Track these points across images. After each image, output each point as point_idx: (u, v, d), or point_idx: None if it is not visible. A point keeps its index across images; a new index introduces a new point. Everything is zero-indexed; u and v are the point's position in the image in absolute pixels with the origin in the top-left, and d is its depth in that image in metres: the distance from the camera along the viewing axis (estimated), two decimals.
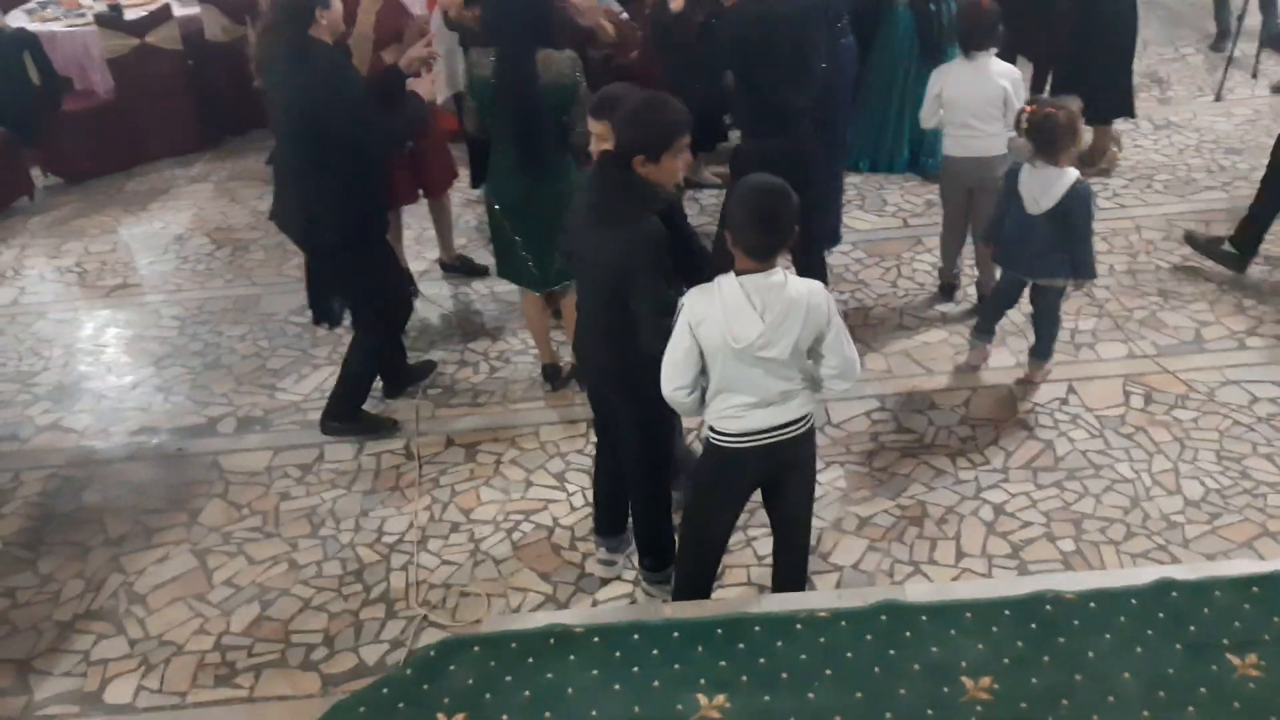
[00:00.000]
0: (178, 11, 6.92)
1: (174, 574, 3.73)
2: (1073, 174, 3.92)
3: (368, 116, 3.79)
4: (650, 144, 2.88)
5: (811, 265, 4.54)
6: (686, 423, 3.77)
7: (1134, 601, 2.63)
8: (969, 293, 4.92)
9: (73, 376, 4.87)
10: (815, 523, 3.60)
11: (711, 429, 2.91)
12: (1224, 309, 4.72)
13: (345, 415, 4.31)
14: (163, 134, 6.98)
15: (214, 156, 7.08)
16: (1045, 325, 4.27)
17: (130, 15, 6.72)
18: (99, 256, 5.92)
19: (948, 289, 4.93)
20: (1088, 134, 6.22)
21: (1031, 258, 4.08)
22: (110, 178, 6.85)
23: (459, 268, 5.47)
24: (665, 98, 2.97)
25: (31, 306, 5.48)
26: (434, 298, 5.28)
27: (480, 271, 5.42)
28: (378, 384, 4.46)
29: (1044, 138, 3.90)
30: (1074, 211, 3.91)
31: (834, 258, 5.33)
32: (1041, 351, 4.31)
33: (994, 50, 4.54)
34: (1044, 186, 3.94)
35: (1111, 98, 5.83)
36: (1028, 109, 4.01)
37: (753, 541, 3.65)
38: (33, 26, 6.72)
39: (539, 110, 3.82)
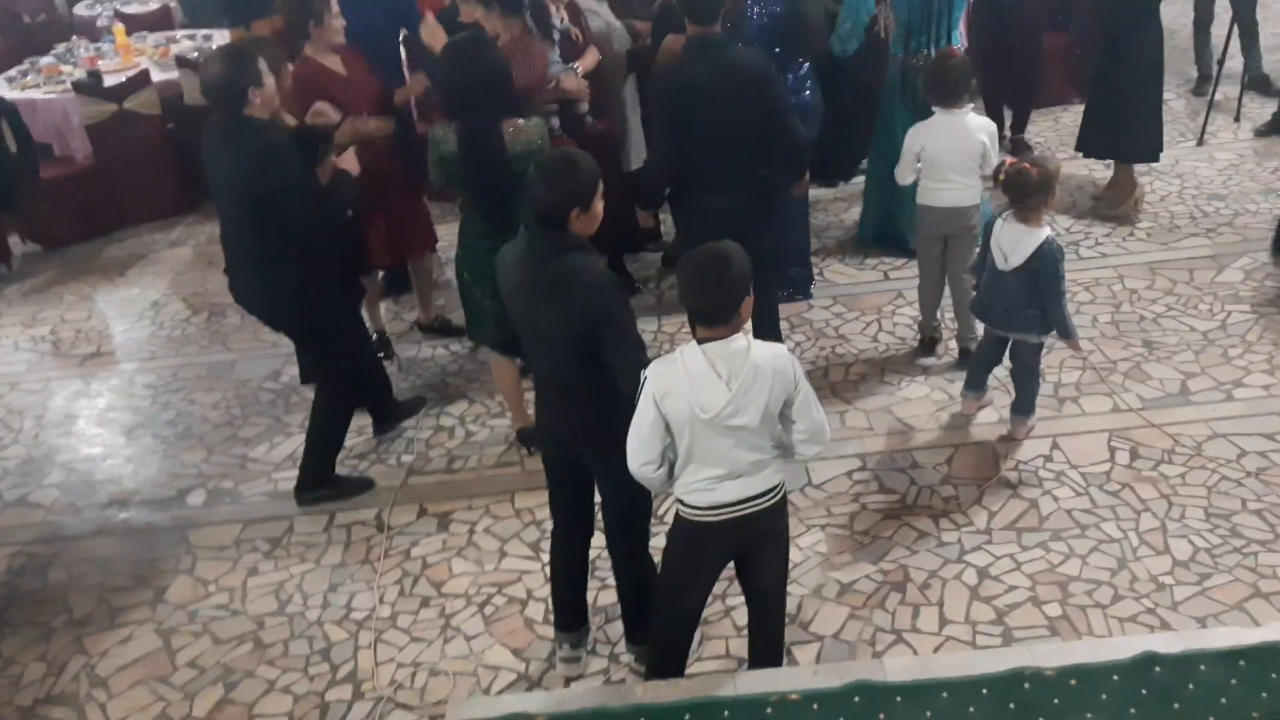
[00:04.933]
0: (156, 77, 6.92)
1: (137, 655, 3.63)
2: (1043, 233, 3.91)
3: (309, 194, 3.77)
4: (583, 193, 2.88)
5: (762, 320, 4.51)
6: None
7: (1116, 678, 2.54)
8: (950, 346, 4.86)
9: (42, 449, 4.80)
10: (795, 589, 3.54)
11: (681, 502, 2.83)
12: (1210, 359, 4.65)
13: (318, 481, 4.23)
14: (142, 199, 6.96)
15: (194, 220, 7.06)
16: (1024, 380, 4.20)
17: (109, 81, 6.73)
18: (74, 324, 5.87)
19: (929, 343, 4.87)
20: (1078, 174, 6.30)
21: (1004, 313, 4.05)
22: (89, 244, 6.82)
23: (437, 329, 5.41)
24: (566, 151, 3.03)
25: (3, 377, 5.42)
26: (411, 360, 5.22)
27: (458, 333, 5.36)
28: (367, 423, 4.51)
29: (1017, 193, 3.90)
30: (1042, 271, 3.89)
31: (814, 312, 5.29)
32: (1023, 407, 4.24)
33: (970, 105, 4.53)
34: (1014, 243, 3.92)
35: (1134, 139, 5.82)
36: (1008, 161, 4.00)
37: (731, 612, 3.55)
38: (12, 95, 6.72)
39: (508, 179, 3.80)
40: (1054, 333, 4.04)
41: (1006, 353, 4.26)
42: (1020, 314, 4.00)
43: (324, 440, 4.21)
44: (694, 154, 4.10)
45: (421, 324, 5.42)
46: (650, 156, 4.43)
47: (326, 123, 4.27)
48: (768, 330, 4.58)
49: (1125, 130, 5.80)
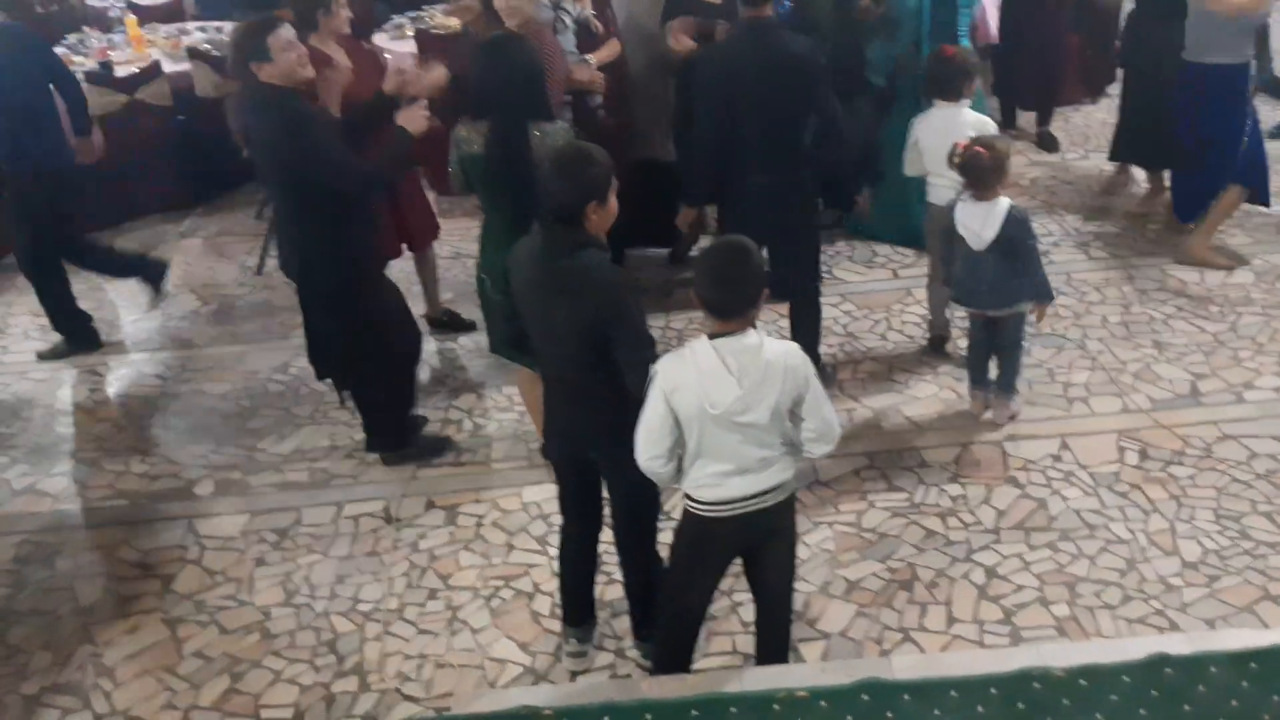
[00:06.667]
0: (168, 68, 6.92)
1: (143, 645, 3.63)
2: (1005, 203, 3.99)
3: (335, 158, 3.76)
4: (599, 186, 2.86)
5: (806, 307, 4.51)
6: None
7: (1126, 679, 2.53)
8: (959, 345, 4.84)
9: (51, 438, 4.80)
10: (802, 586, 3.53)
11: (689, 497, 2.83)
12: (1220, 361, 4.63)
13: (396, 444, 4.36)
14: (153, 190, 6.96)
15: (204, 212, 7.06)
16: (1009, 355, 4.25)
17: (121, 72, 6.74)
18: None
19: (938, 342, 4.86)
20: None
21: (988, 292, 4.09)
22: (99, 234, 6.79)
23: (446, 323, 5.41)
24: (580, 145, 3.02)
25: (13, 366, 5.43)
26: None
27: (467, 327, 5.36)
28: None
29: (972, 175, 4.00)
30: (1016, 236, 3.98)
31: (822, 309, 5.26)
32: (1006, 384, 4.29)
33: (965, 101, 4.52)
34: (982, 220, 3.99)
35: (1167, 145, 5.51)
36: (960, 145, 4.05)
37: (738, 608, 3.55)
38: None
39: (534, 184, 3.73)
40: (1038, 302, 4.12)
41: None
42: (1006, 286, 4.06)
43: (383, 405, 4.28)
44: (741, 133, 4.17)
45: (430, 318, 5.42)
46: (695, 140, 4.39)
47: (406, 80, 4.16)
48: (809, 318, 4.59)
49: (1155, 135, 5.60)
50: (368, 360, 4.21)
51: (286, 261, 4.16)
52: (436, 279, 5.40)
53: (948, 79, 4.51)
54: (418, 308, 5.48)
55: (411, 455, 4.37)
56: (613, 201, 2.92)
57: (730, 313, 2.61)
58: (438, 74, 4.16)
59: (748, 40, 4.14)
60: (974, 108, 4.69)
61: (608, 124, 5.09)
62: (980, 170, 3.96)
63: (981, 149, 3.97)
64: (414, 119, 3.95)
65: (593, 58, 4.89)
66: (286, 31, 3.74)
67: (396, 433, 4.38)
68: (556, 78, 4.48)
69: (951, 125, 4.43)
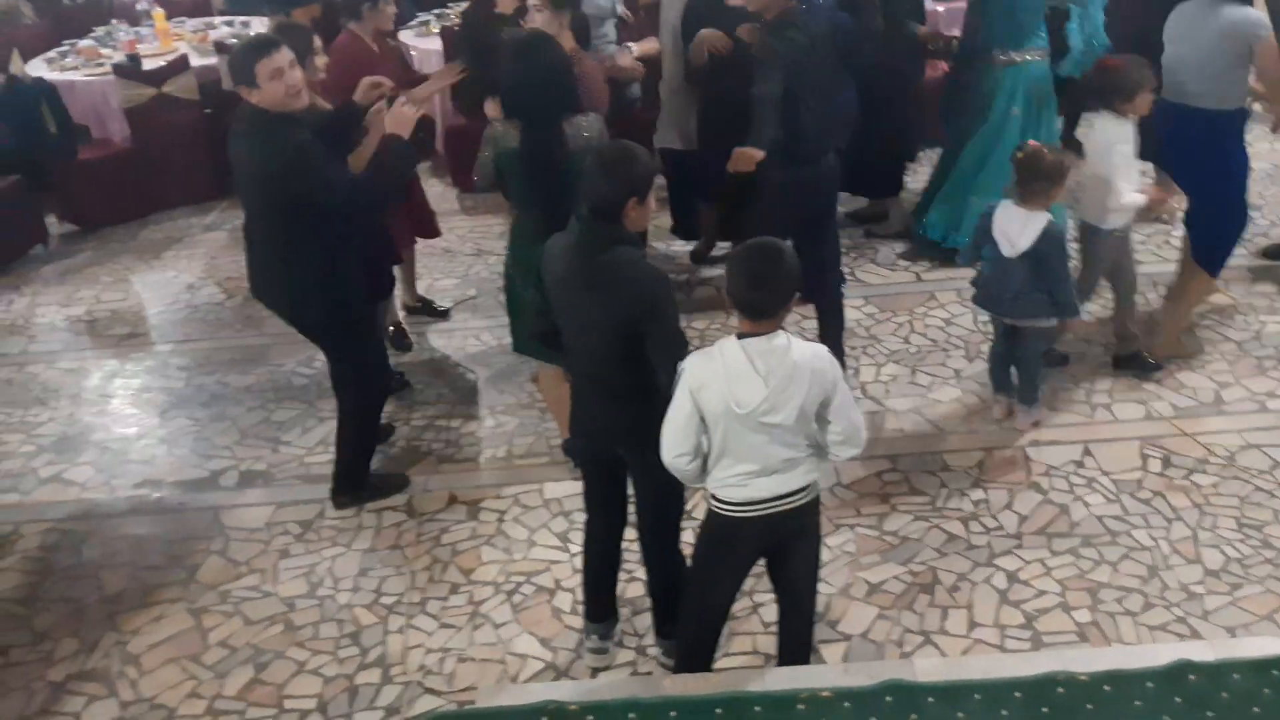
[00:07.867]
0: (195, 62, 6.98)
1: (169, 634, 3.66)
2: (1044, 217, 3.97)
3: (338, 183, 3.60)
4: (640, 184, 2.87)
5: (832, 306, 4.55)
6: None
7: (1150, 684, 2.54)
8: (983, 350, 4.84)
9: (77, 428, 4.85)
10: (824, 588, 3.54)
11: (713, 498, 2.84)
12: (1244, 369, 4.62)
13: (354, 486, 4.20)
14: (179, 183, 7.01)
15: (229, 205, 7.09)
16: (1028, 367, 4.25)
17: (148, 65, 6.79)
18: (110, 305, 5.93)
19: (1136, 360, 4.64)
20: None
21: (1012, 300, 4.09)
22: (126, 226, 6.89)
23: (422, 310, 5.52)
24: (625, 143, 3.00)
25: (40, 356, 5.48)
26: (441, 349, 5.26)
27: (443, 314, 5.51)
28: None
29: (1028, 173, 3.96)
30: (1049, 254, 3.96)
31: (845, 312, 5.23)
32: (1026, 396, 4.29)
33: (1125, 120, 4.34)
34: (1019, 229, 3.98)
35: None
36: (1030, 143, 4.06)
37: (759, 608, 3.56)
38: (52, 76, 6.80)
39: (568, 180, 3.66)
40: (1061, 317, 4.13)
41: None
42: (1030, 298, 4.05)
43: (354, 448, 4.15)
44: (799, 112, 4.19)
45: (407, 305, 5.47)
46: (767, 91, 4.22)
47: (381, 94, 4.03)
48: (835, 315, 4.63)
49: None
50: (353, 401, 4.08)
51: (266, 292, 3.93)
52: (414, 269, 5.50)
53: (1104, 91, 4.35)
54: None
55: (366, 498, 4.20)
56: (651, 200, 2.93)
57: (763, 313, 2.62)
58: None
59: (808, 16, 4.16)
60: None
61: (642, 118, 5.10)
62: (1036, 169, 3.91)
63: (1047, 150, 3.95)
64: (400, 120, 3.78)
65: (634, 46, 4.90)
66: (281, 57, 3.49)
67: (363, 475, 4.23)
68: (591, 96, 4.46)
69: (1110, 139, 4.27)
